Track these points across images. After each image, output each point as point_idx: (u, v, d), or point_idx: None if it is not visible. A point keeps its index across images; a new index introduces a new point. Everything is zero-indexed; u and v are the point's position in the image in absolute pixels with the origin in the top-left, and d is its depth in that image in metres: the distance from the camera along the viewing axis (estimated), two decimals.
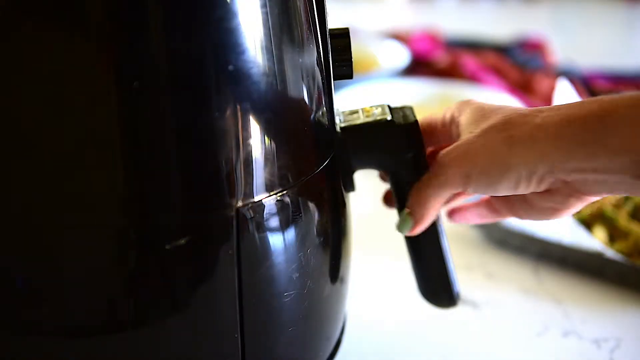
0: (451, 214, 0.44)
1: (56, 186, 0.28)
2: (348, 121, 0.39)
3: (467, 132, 0.36)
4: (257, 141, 0.31)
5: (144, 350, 0.31)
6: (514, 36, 1.37)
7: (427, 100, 0.98)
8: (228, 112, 0.29)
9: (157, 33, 0.27)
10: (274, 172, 0.32)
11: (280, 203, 0.32)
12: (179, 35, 0.28)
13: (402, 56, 1.17)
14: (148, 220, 0.29)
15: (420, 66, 1.19)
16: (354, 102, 0.90)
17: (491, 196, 0.41)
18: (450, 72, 1.12)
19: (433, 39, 1.34)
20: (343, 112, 0.40)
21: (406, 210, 0.39)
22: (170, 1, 0.27)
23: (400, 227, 0.40)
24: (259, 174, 0.31)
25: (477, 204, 0.43)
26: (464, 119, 0.37)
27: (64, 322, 0.31)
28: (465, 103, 0.38)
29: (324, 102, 0.36)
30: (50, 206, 0.29)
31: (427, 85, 1.02)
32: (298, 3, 0.32)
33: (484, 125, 0.35)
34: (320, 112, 0.36)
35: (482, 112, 0.36)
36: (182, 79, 0.28)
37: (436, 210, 0.39)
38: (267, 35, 0.30)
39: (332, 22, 0.36)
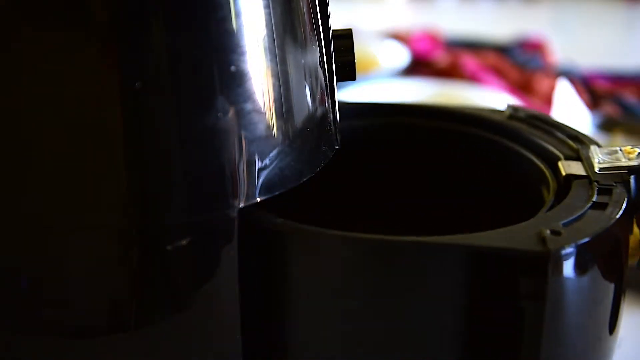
0: None
1: (57, 187, 0.28)
2: (610, 162, 0.38)
3: None
4: (259, 142, 0.31)
5: (146, 351, 0.31)
6: (514, 36, 1.37)
7: (427, 100, 0.99)
8: (230, 113, 0.29)
9: (159, 33, 0.27)
10: (276, 173, 0.32)
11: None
12: (181, 35, 0.28)
13: (402, 56, 1.17)
14: (149, 220, 0.29)
15: (420, 66, 1.19)
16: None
17: None
18: (450, 72, 1.12)
19: (433, 39, 1.34)
20: (601, 151, 0.39)
21: None
22: (173, 1, 0.27)
23: None
24: (261, 175, 0.31)
25: None
26: None
27: (64, 322, 0.31)
28: None
29: (326, 104, 0.36)
30: (51, 207, 0.29)
31: (427, 85, 1.02)
32: (301, 3, 0.32)
33: None
34: (323, 114, 0.36)
35: None
36: (184, 79, 0.28)
37: None
38: (270, 36, 0.30)
39: (332, 22, 0.36)
